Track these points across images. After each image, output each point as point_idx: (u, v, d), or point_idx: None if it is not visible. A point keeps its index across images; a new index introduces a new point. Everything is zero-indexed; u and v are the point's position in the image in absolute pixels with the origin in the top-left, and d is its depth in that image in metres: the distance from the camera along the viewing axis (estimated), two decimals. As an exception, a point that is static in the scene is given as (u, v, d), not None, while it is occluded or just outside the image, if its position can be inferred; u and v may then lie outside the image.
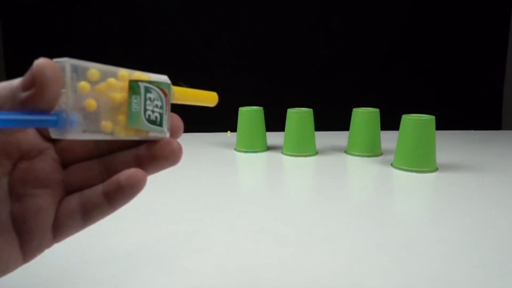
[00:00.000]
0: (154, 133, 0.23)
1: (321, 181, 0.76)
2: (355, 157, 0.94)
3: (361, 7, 1.60)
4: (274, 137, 1.08)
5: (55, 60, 0.19)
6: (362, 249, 0.46)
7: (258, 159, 0.93)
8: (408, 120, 0.80)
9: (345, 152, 0.99)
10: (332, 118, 1.35)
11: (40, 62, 0.18)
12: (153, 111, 0.23)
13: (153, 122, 0.23)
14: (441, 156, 0.88)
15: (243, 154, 0.98)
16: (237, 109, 1.00)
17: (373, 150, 0.94)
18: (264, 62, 1.63)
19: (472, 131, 1.31)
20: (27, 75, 0.18)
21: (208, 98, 0.27)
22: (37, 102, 0.18)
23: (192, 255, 0.44)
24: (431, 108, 1.00)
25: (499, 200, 0.63)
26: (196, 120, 1.51)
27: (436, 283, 0.38)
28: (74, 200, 0.23)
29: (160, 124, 0.23)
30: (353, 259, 0.43)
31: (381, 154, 0.96)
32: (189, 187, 0.71)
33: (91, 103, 0.20)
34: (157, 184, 0.72)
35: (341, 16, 1.61)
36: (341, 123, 1.27)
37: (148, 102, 0.22)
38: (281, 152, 0.97)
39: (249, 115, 0.98)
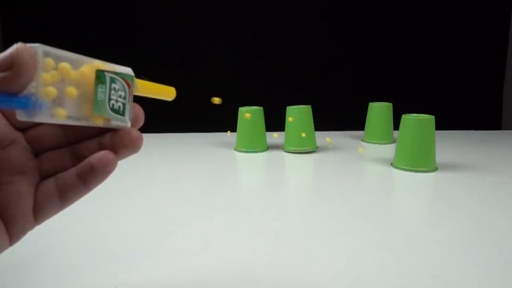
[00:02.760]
0: (116, 121, 0.24)
1: (321, 181, 0.76)
2: (371, 144, 1.09)
3: (360, 8, 1.60)
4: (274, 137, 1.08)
5: (28, 45, 0.20)
6: (362, 249, 0.46)
7: (258, 159, 0.93)
8: (408, 119, 0.80)
9: (362, 140, 1.13)
10: (332, 118, 1.35)
11: (20, 46, 0.19)
12: (116, 101, 0.24)
13: (116, 111, 0.24)
14: (441, 155, 0.88)
15: (243, 154, 0.98)
16: (237, 109, 1.00)
17: (387, 138, 1.09)
18: (264, 62, 1.62)
19: (472, 131, 1.31)
20: (6, 57, 0.19)
21: (167, 92, 0.29)
22: (11, 84, 0.19)
23: (192, 255, 0.44)
24: (431, 107, 1.00)
25: (499, 200, 0.63)
26: (196, 120, 1.52)
27: (436, 283, 0.38)
28: (50, 183, 0.24)
29: (123, 114, 0.24)
30: (353, 259, 0.43)
31: (393, 141, 1.09)
32: (189, 187, 0.71)
33: (51, 91, 0.21)
34: (157, 184, 0.72)
35: (341, 16, 1.61)
36: (341, 123, 1.27)
37: (112, 92, 0.23)
38: (283, 149, 0.99)
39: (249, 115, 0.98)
